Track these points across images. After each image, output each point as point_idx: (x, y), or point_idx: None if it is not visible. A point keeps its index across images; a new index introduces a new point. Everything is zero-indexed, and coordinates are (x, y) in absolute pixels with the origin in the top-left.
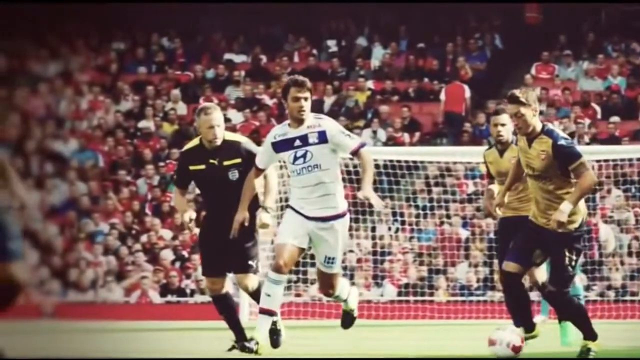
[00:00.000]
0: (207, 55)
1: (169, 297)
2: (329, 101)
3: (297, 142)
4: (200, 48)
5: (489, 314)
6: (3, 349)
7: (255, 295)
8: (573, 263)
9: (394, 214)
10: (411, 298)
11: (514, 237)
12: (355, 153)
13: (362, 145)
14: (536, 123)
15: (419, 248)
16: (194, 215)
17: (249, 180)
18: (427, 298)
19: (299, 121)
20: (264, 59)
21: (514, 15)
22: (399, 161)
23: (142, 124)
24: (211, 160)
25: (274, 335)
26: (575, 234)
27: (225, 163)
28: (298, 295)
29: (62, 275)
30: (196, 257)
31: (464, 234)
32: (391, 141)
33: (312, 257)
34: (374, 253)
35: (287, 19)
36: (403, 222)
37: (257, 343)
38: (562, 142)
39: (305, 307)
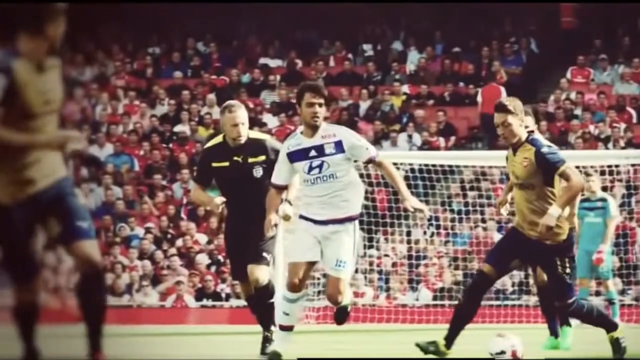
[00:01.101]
0: (243, 59)
1: (205, 302)
2: (364, 105)
3: (313, 152)
4: (236, 52)
5: (524, 318)
6: (39, 352)
7: (261, 293)
8: (567, 271)
9: (430, 218)
10: (446, 302)
11: None
12: (371, 162)
13: (376, 154)
14: (522, 133)
15: (454, 252)
16: (223, 198)
17: (272, 199)
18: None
19: (313, 127)
20: (299, 63)
21: (549, 20)
22: (434, 165)
23: (177, 128)
24: (235, 158)
25: (266, 343)
26: (565, 244)
27: (250, 160)
28: None
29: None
30: None
31: (499, 238)
32: (426, 145)
33: None
34: (410, 257)
35: (322, 24)
36: (438, 227)
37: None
38: (545, 149)
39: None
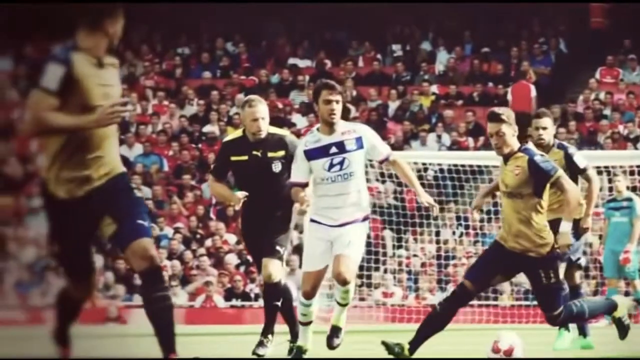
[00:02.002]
0: (272, 60)
1: (234, 302)
2: (393, 105)
3: (333, 149)
4: (265, 53)
5: None
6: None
7: (270, 291)
8: (553, 281)
9: (458, 218)
10: (475, 302)
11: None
12: (386, 160)
13: (391, 152)
14: (515, 143)
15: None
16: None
17: (297, 194)
18: (491, 302)
19: (330, 125)
20: (328, 63)
21: (578, 20)
22: (463, 165)
23: (206, 128)
24: (254, 152)
25: (259, 346)
26: (548, 256)
27: (270, 155)
28: (362, 299)
29: (127, 280)
30: None
31: None
32: (455, 145)
33: (377, 261)
34: (438, 257)
35: (351, 24)
36: (467, 227)
37: (305, 351)
38: (538, 157)
39: (369, 310)
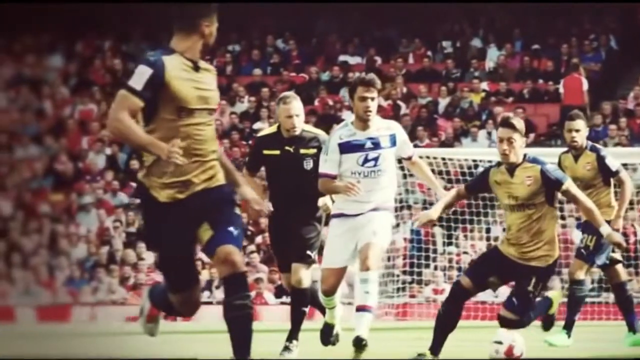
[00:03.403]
0: (322, 57)
1: (284, 299)
2: (443, 102)
3: (369, 145)
4: (315, 50)
5: (603, 315)
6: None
7: (298, 297)
8: (536, 293)
9: None
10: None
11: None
12: (410, 158)
13: (415, 152)
14: (521, 154)
15: None
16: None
17: (329, 185)
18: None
19: (365, 121)
20: (378, 60)
21: (629, 16)
22: None
23: (257, 125)
24: (287, 147)
25: (284, 351)
26: (549, 268)
27: (302, 151)
28: (412, 296)
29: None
30: None
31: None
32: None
33: (427, 258)
34: None
35: (402, 21)
36: None
37: (333, 326)
38: (549, 166)
39: (419, 307)
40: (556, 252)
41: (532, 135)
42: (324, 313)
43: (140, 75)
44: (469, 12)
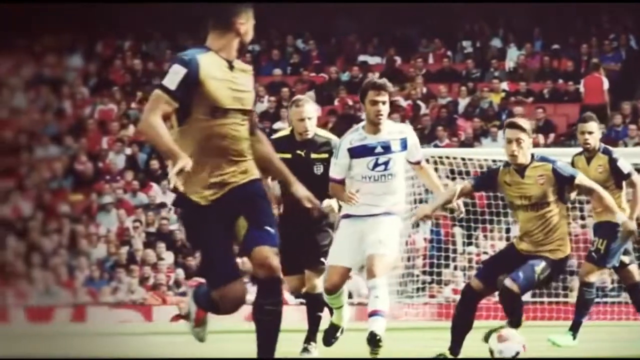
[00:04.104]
0: (342, 57)
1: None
2: (463, 102)
3: (379, 149)
4: (335, 50)
5: (623, 315)
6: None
7: (312, 302)
8: (541, 277)
9: None
10: (545, 299)
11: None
12: (418, 163)
13: (423, 158)
14: (529, 155)
15: None
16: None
17: (338, 190)
18: (561, 299)
19: (376, 125)
20: (398, 60)
21: None
22: None
23: (277, 125)
24: (298, 151)
25: (304, 352)
26: (560, 262)
27: (313, 156)
28: (432, 296)
29: (197, 277)
30: None
31: None
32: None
33: (447, 258)
34: None
35: (421, 21)
36: None
37: (339, 327)
38: (560, 163)
39: (439, 308)
40: (567, 249)
41: (552, 136)
42: (332, 313)
43: (175, 75)
44: (489, 12)
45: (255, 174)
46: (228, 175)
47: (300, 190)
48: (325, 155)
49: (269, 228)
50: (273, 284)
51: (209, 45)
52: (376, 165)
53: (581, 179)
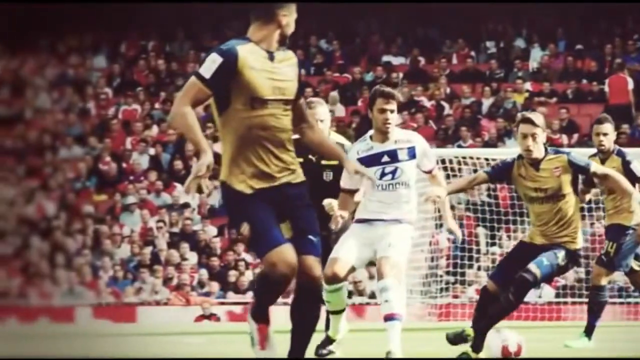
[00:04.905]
0: (365, 57)
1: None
2: (486, 103)
3: (386, 158)
4: (359, 50)
5: None
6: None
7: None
8: (562, 262)
9: None
10: (569, 300)
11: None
12: (430, 172)
13: (436, 167)
14: (543, 149)
15: None
16: None
17: (344, 201)
18: (584, 300)
19: (384, 133)
20: (422, 60)
21: None
22: None
23: None
24: (310, 156)
25: (324, 346)
26: (575, 254)
27: (323, 162)
28: (455, 296)
29: (221, 277)
30: None
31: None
32: (549, 143)
33: (470, 258)
34: None
35: (445, 21)
36: None
37: (333, 341)
38: (574, 154)
39: (462, 308)
40: (579, 242)
41: (575, 136)
42: (328, 325)
43: (211, 64)
44: (512, 12)
45: (301, 175)
46: (274, 169)
47: (350, 165)
48: (336, 162)
49: (313, 238)
50: (314, 291)
51: (250, 36)
52: (383, 174)
53: (596, 166)
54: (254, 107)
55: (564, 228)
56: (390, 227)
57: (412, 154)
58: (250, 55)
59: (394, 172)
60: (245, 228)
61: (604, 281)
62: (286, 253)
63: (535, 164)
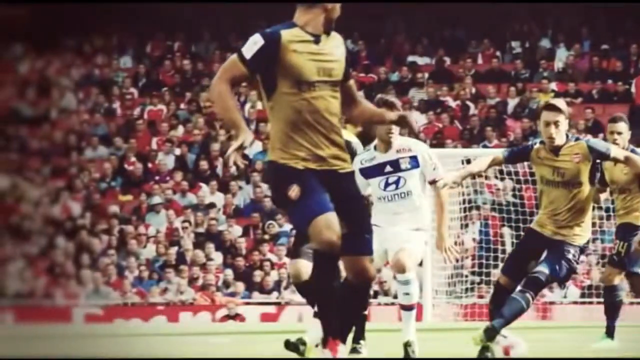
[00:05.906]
0: (391, 57)
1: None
2: (512, 103)
3: (388, 168)
4: (384, 50)
5: None
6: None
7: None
8: (574, 261)
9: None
10: (594, 300)
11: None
12: (433, 183)
13: (441, 177)
14: (565, 136)
15: (602, 249)
16: None
17: None
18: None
19: (387, 143)
20: (447, 61)
21: None
22: None
23: None
24: None
25: (353, 352)
26: (582, 248)
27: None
28: (481, 296)
29: (246, 277)
30: None
31: None
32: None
33: (495, 258)
34: None
35: (470, 21)
36: None
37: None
38: (593, 140)
39: (487, 308)
40: (588, 234)
41: (600, 136)
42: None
43: (253, 45)
44: (538, 12)
45: (349, 163)
46: (327, 152)
47: (391, 114)
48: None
49: (367, 236)
50: (364, 290)
51: (295, 21)
52: (387, 185)
53: (616, 151)
54: (302, 90)
55: (575, 217)
56: (403, 232)
57: (414, 163)
58: (294, 38)
59: (397, 182)
60: (295, 190)
61: (616, 280)
62: (333, 220)
63: (556, 150)
